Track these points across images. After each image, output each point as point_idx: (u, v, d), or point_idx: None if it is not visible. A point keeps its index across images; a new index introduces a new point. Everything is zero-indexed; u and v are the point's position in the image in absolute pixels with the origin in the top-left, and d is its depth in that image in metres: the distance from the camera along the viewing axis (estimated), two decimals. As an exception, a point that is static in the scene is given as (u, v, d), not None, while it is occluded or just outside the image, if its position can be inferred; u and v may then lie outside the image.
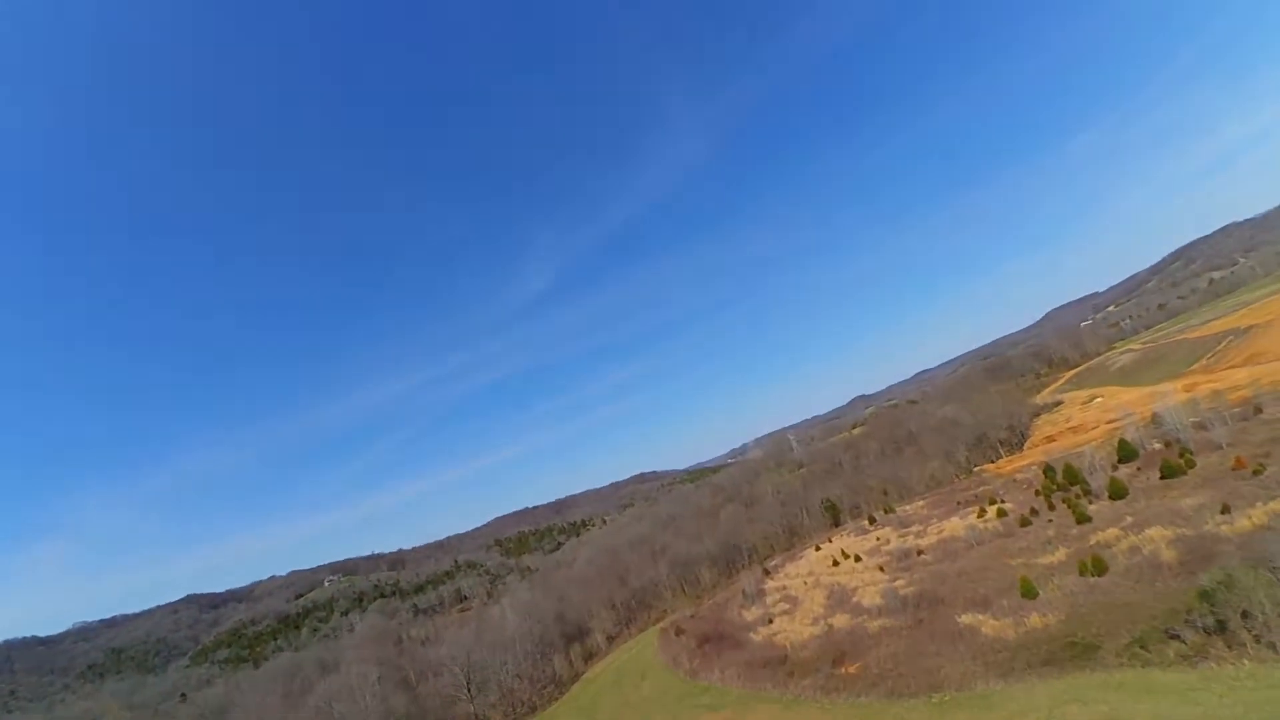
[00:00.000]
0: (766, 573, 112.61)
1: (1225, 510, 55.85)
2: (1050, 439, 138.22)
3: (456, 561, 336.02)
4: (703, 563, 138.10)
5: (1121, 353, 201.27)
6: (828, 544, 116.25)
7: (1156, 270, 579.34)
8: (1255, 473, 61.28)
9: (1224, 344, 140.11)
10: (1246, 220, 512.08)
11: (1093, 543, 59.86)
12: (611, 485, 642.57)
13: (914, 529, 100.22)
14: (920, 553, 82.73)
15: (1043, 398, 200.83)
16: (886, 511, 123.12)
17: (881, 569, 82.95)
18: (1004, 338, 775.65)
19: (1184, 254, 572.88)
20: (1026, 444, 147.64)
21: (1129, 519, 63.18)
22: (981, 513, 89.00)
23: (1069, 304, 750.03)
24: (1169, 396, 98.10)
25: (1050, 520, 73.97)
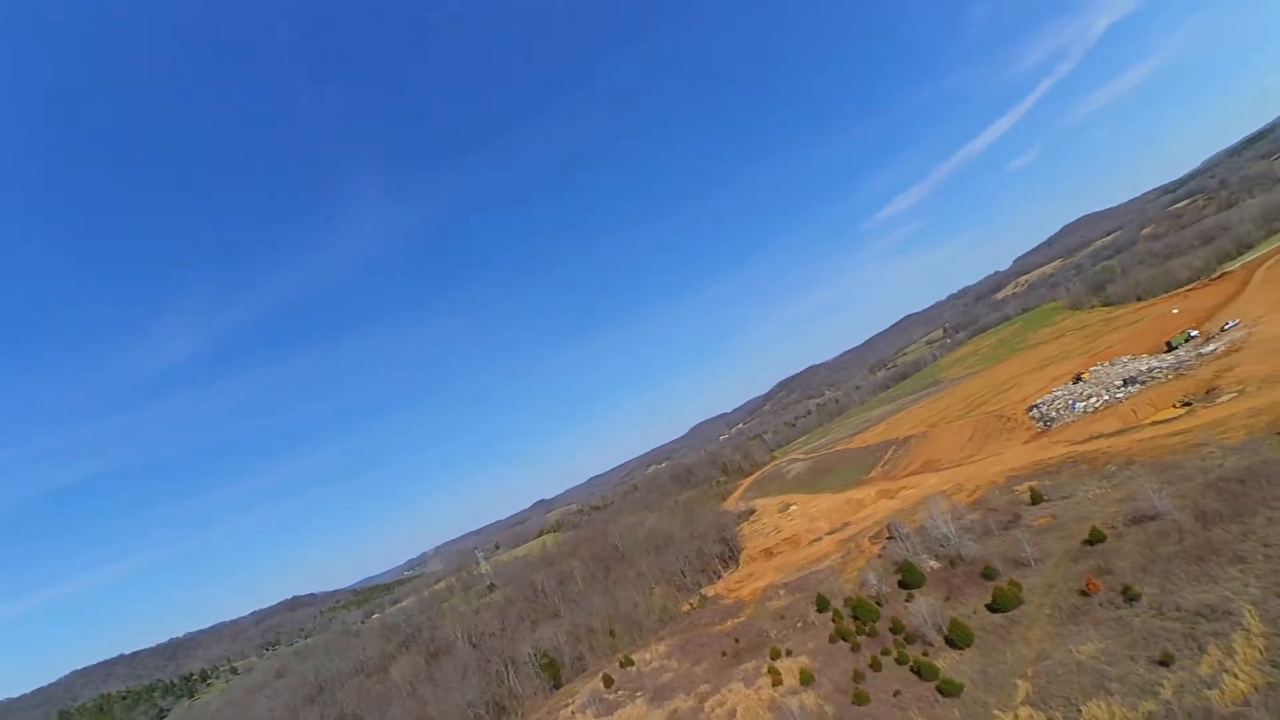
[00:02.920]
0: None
1: (1165, 662, 40.32)
2: (769, 552, 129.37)
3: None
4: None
5: (789, 461, 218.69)
6: (554, 733, 79.77)
7: (769, 397, 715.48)
8: (1129, 598, 49.09)
9: (891, 452, 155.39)
10: (822, 363, 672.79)
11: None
12: (253, 616, 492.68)
13: (676, 702, 71.79)
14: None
15: (731, 505, 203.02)
16: (624, 665, 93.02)
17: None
18: (661, 447, 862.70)
19: (785, 385, 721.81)
20: (742, 557, 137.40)
21: (1020, 685, 44.70)
22: (775, 676, 65.27)
23: (708, 420, 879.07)
24: (935, 502, 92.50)
25: (896, 693, 52.92)
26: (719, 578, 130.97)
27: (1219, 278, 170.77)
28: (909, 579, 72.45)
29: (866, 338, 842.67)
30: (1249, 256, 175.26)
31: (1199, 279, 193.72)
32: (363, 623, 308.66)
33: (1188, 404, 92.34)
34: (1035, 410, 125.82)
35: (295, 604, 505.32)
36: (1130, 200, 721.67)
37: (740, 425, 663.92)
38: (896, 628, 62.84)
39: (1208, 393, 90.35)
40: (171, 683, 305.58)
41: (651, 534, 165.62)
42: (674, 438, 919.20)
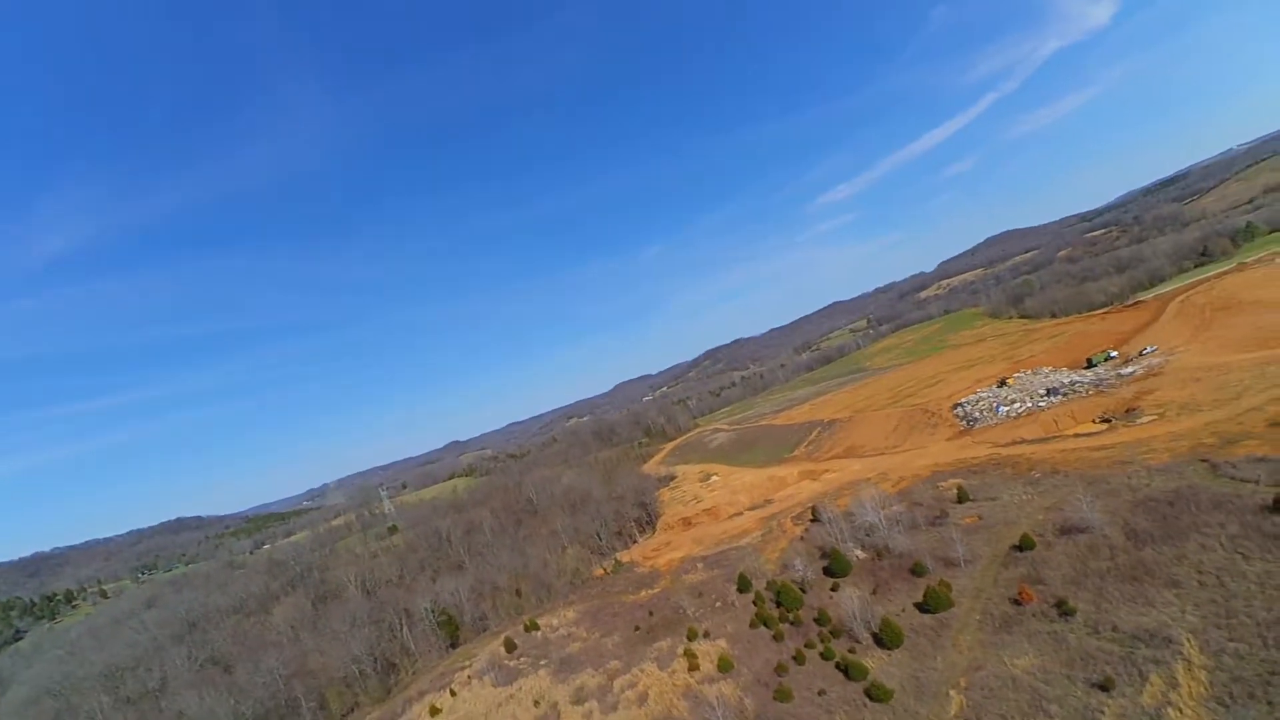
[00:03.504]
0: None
1: (1105, 686, 38.87)
2: (688, 522, 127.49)
3: None
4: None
5: (713, 430, 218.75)
6: (446, 697, 74.08)
7: (695, 364, 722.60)
8: (1064, 612, 48.01)
9: (815, 433, 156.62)
10: (750, 338, 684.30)
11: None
12: (130, 536, 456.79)
13: (583, 677, 67.64)
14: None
15: (651, 468, 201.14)
16: (529, 629, 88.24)
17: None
18: (583, 400, 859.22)
19: (712, 355, 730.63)
20: (660, 524, 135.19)
21: (954, 697, 42.71)
22: (691, 659, 61.99)
23: (633, 380, 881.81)
24: (862, 489, 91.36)
25: (821, 692, 50.31)
26: (635, 543, 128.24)
27: (1133, 305, 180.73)
28: (835, 567, 70.71)
29: (794, 319, 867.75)
30: (1161, 289, 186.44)
31: (1113, 304, 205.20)
32: (250, 554, 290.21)
33: (1107, 420, 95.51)
34: (960, 409, 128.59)
35: (179, 526, 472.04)
36: (1051, 222, 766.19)
37: (665, 389, 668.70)
38: (822, 619, 60.68)
39: (1127, 412, 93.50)
40: (31, 602, 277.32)
41: (568, 491, 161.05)
42: (598, 393, 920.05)
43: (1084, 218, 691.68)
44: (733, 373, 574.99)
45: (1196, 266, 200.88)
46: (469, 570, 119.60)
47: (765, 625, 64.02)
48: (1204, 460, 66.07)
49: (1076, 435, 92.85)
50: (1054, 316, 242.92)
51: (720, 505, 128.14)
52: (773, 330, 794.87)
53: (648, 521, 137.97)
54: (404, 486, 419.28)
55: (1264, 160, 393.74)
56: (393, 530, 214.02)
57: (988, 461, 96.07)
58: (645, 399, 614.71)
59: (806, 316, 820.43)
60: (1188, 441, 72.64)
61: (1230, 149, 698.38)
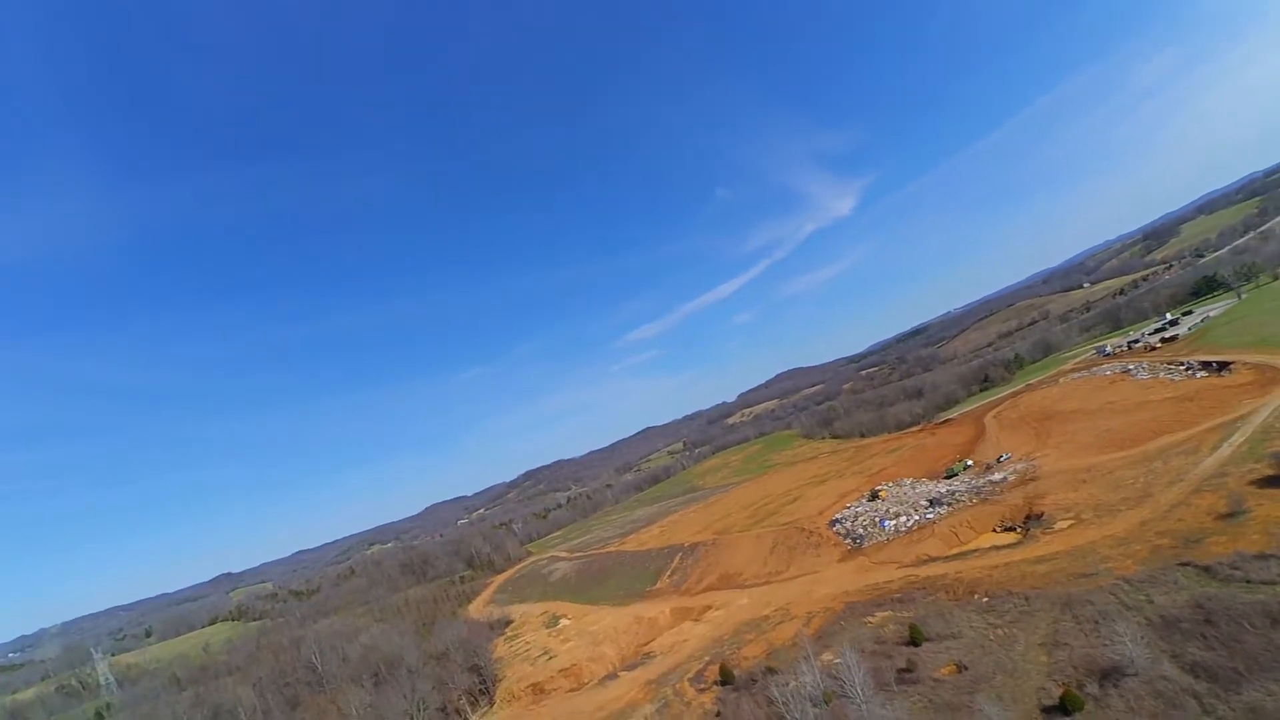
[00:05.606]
0: None
1: None
2: (539, 690, 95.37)
3: None
4: None
5: (550, 560, 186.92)
6: None
7: (515, 485, 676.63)
8: None
9: (678, 560, 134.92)
10: (570, 459, 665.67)
11: None
12: None
13: None
14: None
15: (479, 610, 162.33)
16: None
17: None
18: (388, 524, 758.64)
19: (532, 475, 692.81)
20: (499, 693, 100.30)
21: None
22: None
23: (446, 501, 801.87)
24: (771, 629, 70.00)
25: None
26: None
27: (945, 422, 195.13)
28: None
29: (612, 441, 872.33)
30: (962, 409, 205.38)
31: (920, 423, 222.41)
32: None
33: (1012, 528, 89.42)
34: (839, 525, 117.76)
35: None
36: (828, 362, 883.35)
37: (482, 510, 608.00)
38: None
39: (1029, 518, 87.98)
40: None
41: (369, 652, 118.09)
42: (405, 515, 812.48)
43: (851, 360, 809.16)
44: (555, 493, 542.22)
45: (982, 390, 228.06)
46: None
47: None
48: (1186, 564, 57.55)
49: (994, 548, 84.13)
50: (862, 436, 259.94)
51: (581, 662, 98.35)
52: (593, 452, 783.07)
53: (483, 690, 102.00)
54: (148, 635, 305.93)
55: (993, 314, 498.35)
56: (99, 716, 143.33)
57: (907, 586, 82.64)
58: (461, 522, 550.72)
59: (624, 439, 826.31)
60: (1140, 545, 65.15)
61: (949, 311, 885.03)
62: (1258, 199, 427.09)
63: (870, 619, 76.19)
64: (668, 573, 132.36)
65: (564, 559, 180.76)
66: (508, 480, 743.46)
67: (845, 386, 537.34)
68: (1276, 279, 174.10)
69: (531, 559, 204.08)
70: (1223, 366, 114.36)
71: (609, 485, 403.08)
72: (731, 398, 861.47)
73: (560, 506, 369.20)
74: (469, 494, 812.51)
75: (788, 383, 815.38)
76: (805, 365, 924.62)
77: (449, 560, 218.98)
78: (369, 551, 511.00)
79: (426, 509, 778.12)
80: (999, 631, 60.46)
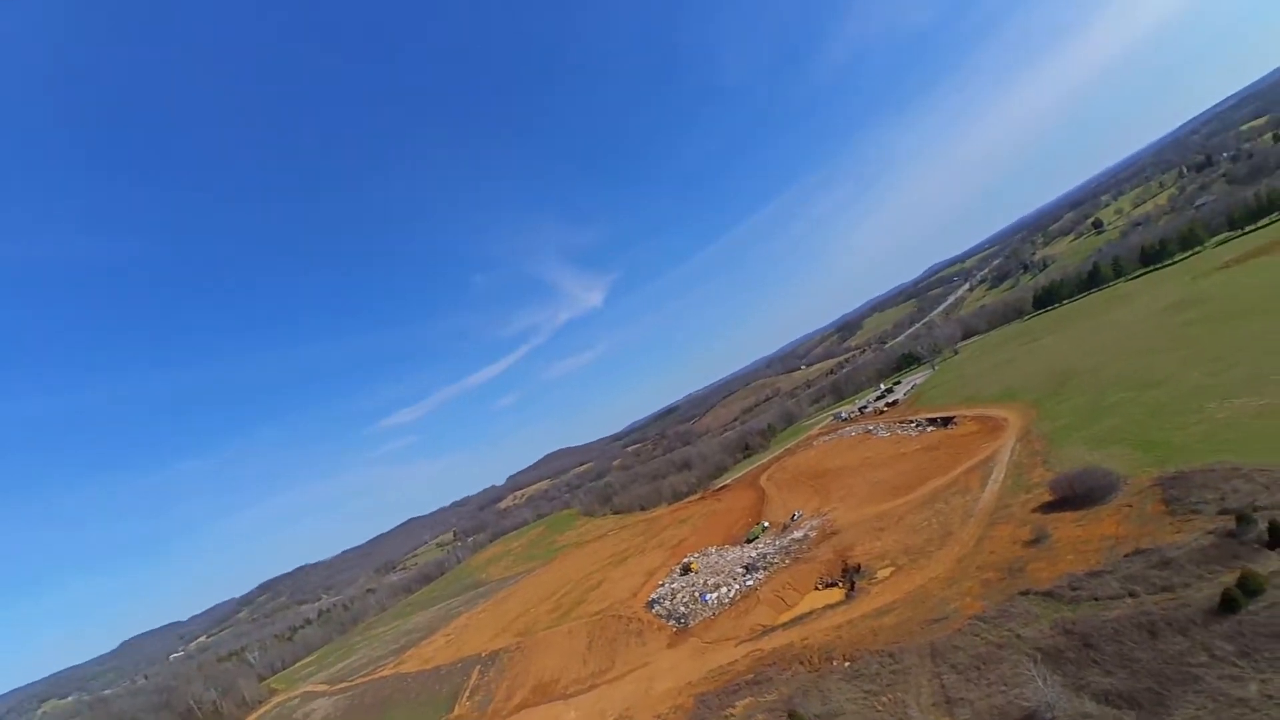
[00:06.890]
0: None
1: None
2: None
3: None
4: None
5: (303, 697, 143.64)
6: None
7: (246, 602, 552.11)
8: None
9: (477, 675, 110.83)
10: (316, 563, 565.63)
11: None
12: None
13: None
14: None
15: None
16: None
17: None
18: (70, 669, 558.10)
19: (269, 587, 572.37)
20: None
21: None
22: None
23: (150, 632, 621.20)
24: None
25: None
26: None
27: (721, 489, 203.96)
28: None
29: (369, 538, 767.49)
30: (733, 475, 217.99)
31: (697, 492, 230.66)
32: None
33: (833, 584, 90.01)
34: (657, 606, 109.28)
35: None
36: (592, 441, 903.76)
37: (204, 638, 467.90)
38: None
39: (847, 570, 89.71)
40: None
41: None
42: (94, 655, 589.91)
43: (614, 438, 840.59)
44: (302, 606, 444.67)
45: (745, 457, 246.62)
46: None
47: None
48: (1025, 593, 60.23)
49: (828, 607, 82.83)
50: (644, 509, 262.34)
51: None
52: (345, 552, 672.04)
53: None
54: None
55: (734, 392, 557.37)
56: None
57: (755, 664, 76.29)
58: (174, 656, 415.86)
59: (383, 534, 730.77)
60: (970, 581, 67.87)
61: (693, 391, 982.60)
62: (914, 300, 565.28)
63: (732, 710, 67.38)
64: (465, 693, 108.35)
65: (323, 694, 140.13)
66: (238, 595, 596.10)
67: (615, 463, 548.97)
68: (956, 353, 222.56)
69: (277, 700, 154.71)
70: (947, 420, 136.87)
71: (370, 590, 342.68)
72: (500, 480, 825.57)
73: (310, 623, 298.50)
74: (184, 618, 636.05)
75: (556, 463, 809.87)
76: (572, 445, 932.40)
77: (156, 717, 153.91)
78: (39, 714, 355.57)
79: (124, 644, 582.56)
80: (883, 699, 56.19)
